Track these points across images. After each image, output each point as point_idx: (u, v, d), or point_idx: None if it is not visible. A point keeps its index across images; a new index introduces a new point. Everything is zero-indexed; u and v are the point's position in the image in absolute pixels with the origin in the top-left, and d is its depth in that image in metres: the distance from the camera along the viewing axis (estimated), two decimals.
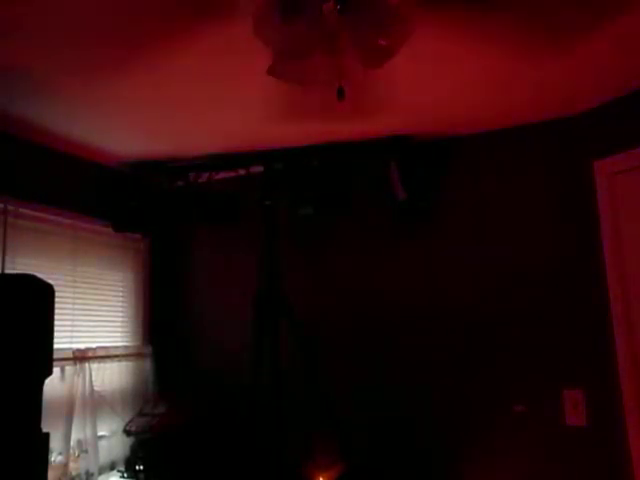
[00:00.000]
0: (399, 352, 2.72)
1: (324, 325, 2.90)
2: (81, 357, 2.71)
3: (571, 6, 1.67)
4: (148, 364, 3.20)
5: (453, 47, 1.89)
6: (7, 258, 2.45)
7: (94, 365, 2.79)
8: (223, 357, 3.08)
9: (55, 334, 2.03)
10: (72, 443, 2.61)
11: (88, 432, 2.69)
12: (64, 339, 2.66)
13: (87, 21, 1.68)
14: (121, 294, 3.18)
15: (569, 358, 2.40)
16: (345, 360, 2.83)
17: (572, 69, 2.09)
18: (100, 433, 2.79)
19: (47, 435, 1.95)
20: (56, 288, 2.07)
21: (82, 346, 2.75)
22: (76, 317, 2.79)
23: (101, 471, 2.75)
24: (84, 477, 2.63)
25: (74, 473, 2.58)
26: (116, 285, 3.15)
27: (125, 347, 3.11)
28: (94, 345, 2.83)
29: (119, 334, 3.13)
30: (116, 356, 3.00)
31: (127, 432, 2.88)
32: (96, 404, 2.76)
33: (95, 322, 2.94)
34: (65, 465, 2.54)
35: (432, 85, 2.19)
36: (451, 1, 1.62)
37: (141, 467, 2.79)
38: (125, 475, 2.80)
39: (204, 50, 1.86)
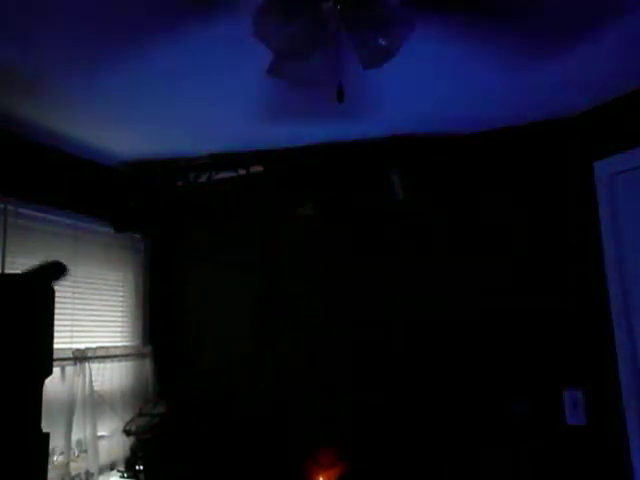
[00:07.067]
0: (399, 352, 2.72)
1: (323, 325, 2.90)
2: (81, 357, 2.71)
3: (570, 6, 1.68)
4: (148, 364, 3.20)
5: (453, 48, 1.89)
6: (7, 258, 2.45)
7: (94, 365, 2.79)
8: (223, 357, 3.08)
9: (55, 334, 2.04)
10: (72, 443, 2.61)
11: (88, 432, 2.69)
12: (64, 339, 2.66)
13: (86, 21, 1.69)
14: (121, 294, 3.19)
15: (569, 358, 2.40)
16: (345, 359, 2.83)
17: (572, 70, 2.09)
18: (100, 433, 2.79)
19: (47, 435, 1.95)
20: (56, 288, 2.07)
21: (82, 346, 2.75)
22: (76, 317, 2.79)
23: (101, 471, 2.75)
24: (84, 477, 2.63)
25: (74, 473, 2.59)
26: (116, 285, 3.15)
27: (125, 347, 3.11)
28: (94, 345, 2.83)
29: (119, 334, 3.13)
30: (116, 356, 3.00)
31: (127, 432, 2.88)
32: (96, 404, 2.76)
33: (95, 322, 2.95)
34: (65, 465, 2.54)
35: (432, 85, 2.19)
36: (451, 3, 1.62)
37: (141, 467, 2.79)
38: (125, 475, 2.80)
39: (204, 50, 1.86)
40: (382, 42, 1.45)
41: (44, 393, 1.96)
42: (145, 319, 3.30)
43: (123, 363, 3.06)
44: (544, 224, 2.53)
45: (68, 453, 2.56)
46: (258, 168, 3.04)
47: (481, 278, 2.60)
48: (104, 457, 2.80)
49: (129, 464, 2.85)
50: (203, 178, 3.13)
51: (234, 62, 1.94)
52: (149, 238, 3.37)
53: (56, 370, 2.44)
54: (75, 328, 2.76)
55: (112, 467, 2.86)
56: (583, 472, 2.31)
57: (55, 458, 2.49)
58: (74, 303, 2.79)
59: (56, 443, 2.48)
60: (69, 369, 2.67)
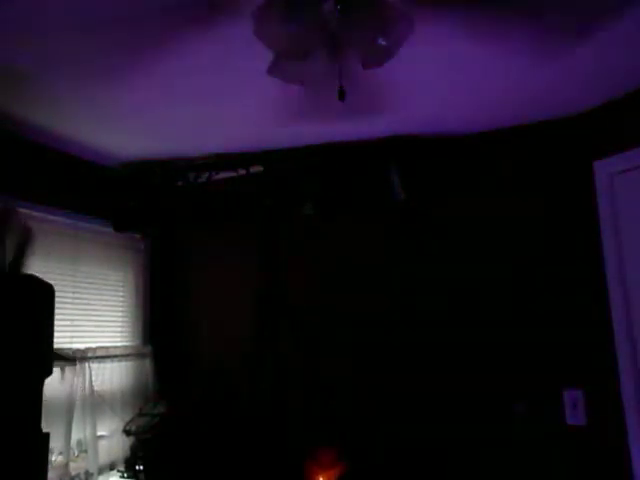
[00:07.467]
0: (399, 352, 2.72)
1: (324, 324, 2.90)
2: (81, 357, 2.71)
3: (571, 7, 1.68)
4: (148, 364, 3.20)
5: (453, 48, 1.89)
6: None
7: (94, 365, 2.79)
8: (223, 357, 3.08)
9: (55, 334, 2.04)
10: (72, 443, 2.61)
11: (88, 432, 2.69)
12: (64, 339, 2.66)
13: (87, 23, 1.69)
14: (121, 294, 3.18)
15: (569, 358, 2.40)
16: (345, 359, 2.83)
17: (571, 69, 2.09)
18: (100, 433, 2.79)
19: (47, 435, 1.95)
20: (56, 288, 2.08)
21: (82, 346, 2.75)
22: (76, 317, 2.79)
23: (101, 471, 2.75)
24: (84, 477, 2.63)
25: (74, 473, 2.59)
26: (116, 285, 3.15)
27: (125, 347, 3.11)
28: (94, 345, 2.83)
29: (119, 334, 3.13)
30: (116, 356, 2.99)
31: (127, 432, 2.88)
32: (96, 404, 2.76)
33: (95, 322, 2.94)
34: (65, 465, 2.54)
35: (433, 85, 2.19)
36: (451, 1, 1.63)
37: (141, 467, 2.79)
38: (125, 475, 2.80)
39: (204, 51, 1.86)
40: (382, 42, 1.45)
41: (44, 393, 1.96)
42: (145, 319, 3.30)
43: (123, 363, 3.06)
44: (544, 224, 2.53)
45: (68, 453, 2.56)
46: (258, 168, 3.03)
47: (481, 278, 2.60)
48: (104, 457, 2.80)
49: (129, 464, 2.84)
50: (203, 178, 3.13)
51: (234, 62, 1.94)
52: (149, 238, 3.37)
53: (56, 370, 2.44)
54: (75, 328, 2.77)
55: (112, 467, 2.86)
56: (583, 472, 2.31)
57: (54, 458, 2.48)
58: (74, 303, 2.79)
59: (56, 443, 2.48)
60: (69, 369, 2.67)
